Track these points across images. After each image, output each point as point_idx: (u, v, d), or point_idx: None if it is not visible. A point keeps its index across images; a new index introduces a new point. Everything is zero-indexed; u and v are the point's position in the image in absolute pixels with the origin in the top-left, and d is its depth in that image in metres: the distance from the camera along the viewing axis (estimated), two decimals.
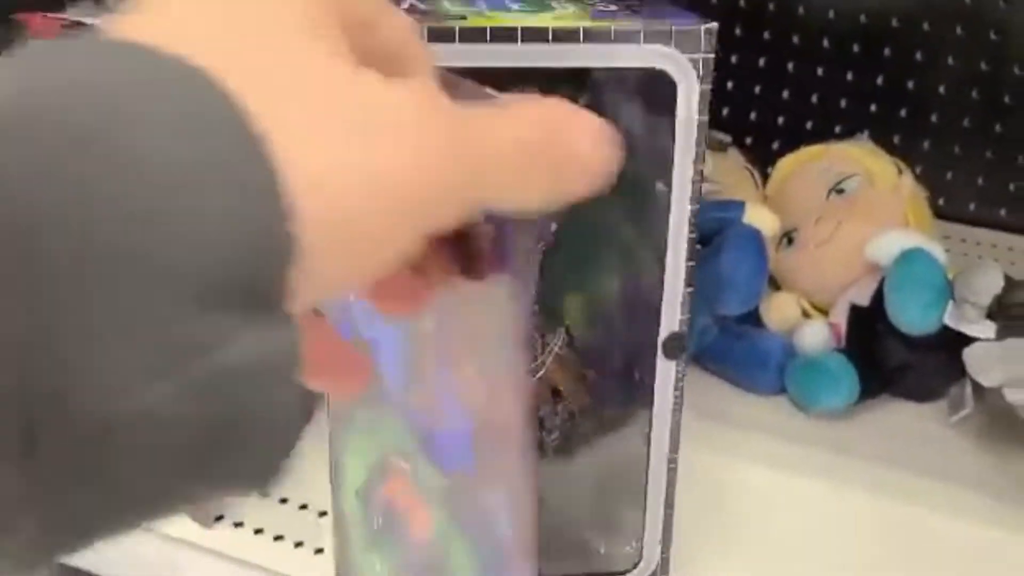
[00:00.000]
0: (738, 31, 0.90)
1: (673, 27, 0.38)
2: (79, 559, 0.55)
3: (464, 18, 0.39)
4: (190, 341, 0.16)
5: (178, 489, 0.17)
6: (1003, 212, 0.89)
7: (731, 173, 0.75)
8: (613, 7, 0.42)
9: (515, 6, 0.42)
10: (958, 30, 0.83)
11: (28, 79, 0.16)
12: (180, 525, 0.56)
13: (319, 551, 0.55)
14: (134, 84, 0.16)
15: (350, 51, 0.20)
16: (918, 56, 0.85)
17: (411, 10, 0.41)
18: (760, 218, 0.67)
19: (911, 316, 0.61)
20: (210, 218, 0.16)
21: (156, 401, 0.15)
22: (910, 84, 0.87)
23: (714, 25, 0.38)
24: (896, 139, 0.87)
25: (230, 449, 0.17)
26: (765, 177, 0.77)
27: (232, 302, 0.16)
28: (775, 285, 0.73)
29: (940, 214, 0.85)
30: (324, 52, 0.19)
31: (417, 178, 0.19)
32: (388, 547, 0.43)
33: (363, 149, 0.18)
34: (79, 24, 0.55)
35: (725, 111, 0.90)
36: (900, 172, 0.72)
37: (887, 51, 0.86)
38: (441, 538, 0.39)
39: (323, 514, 0.57)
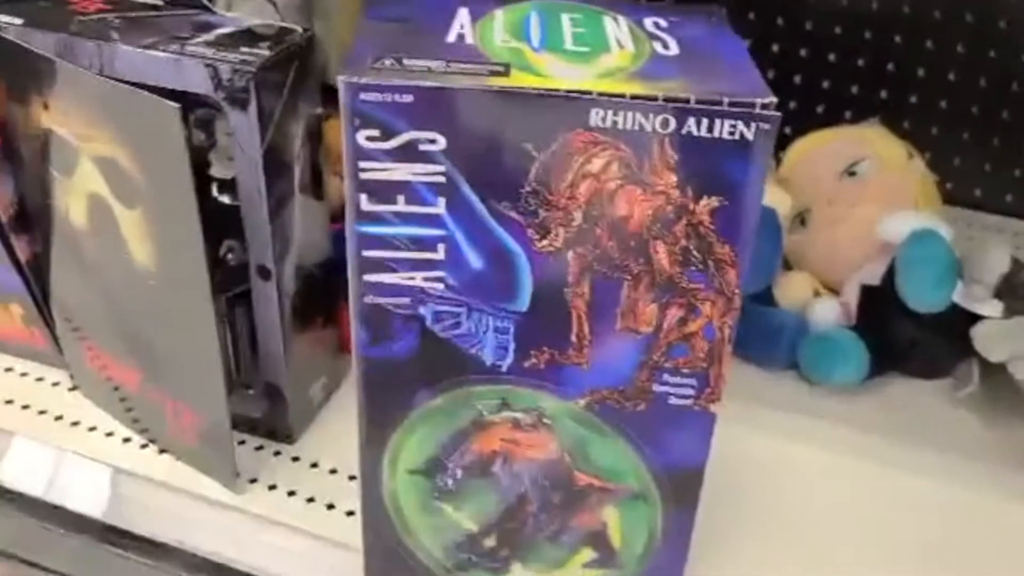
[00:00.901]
0: (752, 17, 0.91)
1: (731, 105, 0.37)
2: (121, 517, 0.57)
3: (507, 69, 0.39)
4: None
5: None
6: (1009, 198, 0.91)
7: None
8: (668, 40, 0.42)
9: (569, 37, 0.42)
10: (968, 18, 0.84)
11: None
12: (217, 488, 0.58)
13: (350, 513, 0.57)
14: None
15: None
16: (928, 44, 0.87)
17: (459, 41, 0.41)
18: (774, 199, 0.69)
19: (921, 294, 0.63)
20: None
21: None
22: (920, 71, 0.88)
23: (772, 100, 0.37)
24: (906, 124, 0.88)
25: None
26: (778, 160, 0.79)
27: None
28: (788, 265, 0.75)
29: (948, 199, 0.86)
30: None
31: None
32: (471, 493, 0.48)
33: None
34: (124, 3, 0.56)
35: None
36: (910, 156, 0.73)
37: (898, 38, 0.88)
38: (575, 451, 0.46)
39: (352, 478, 0.59)
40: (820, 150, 0.76)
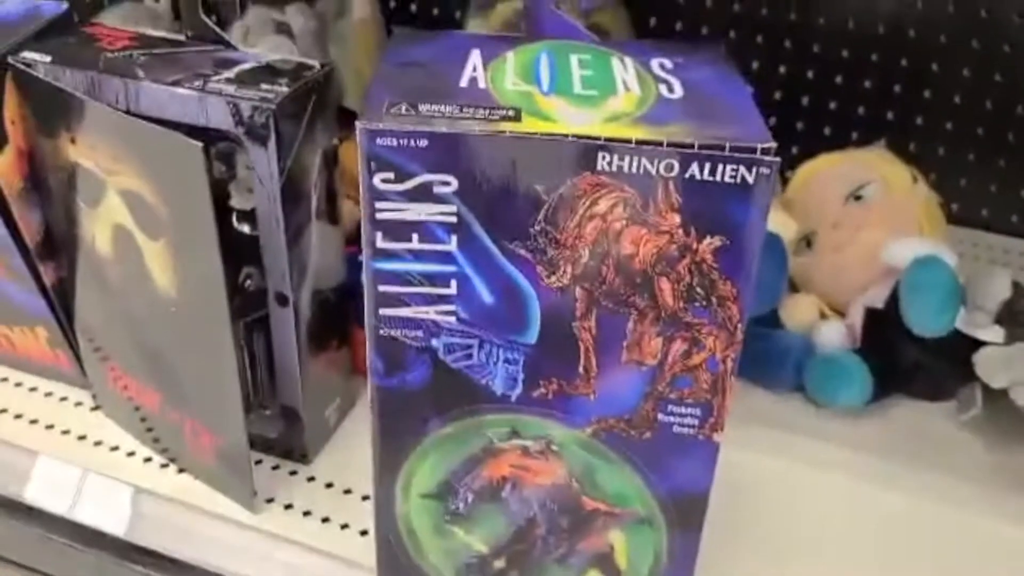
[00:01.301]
0: (760, 40, 0.93)
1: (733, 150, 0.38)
2: (141, 535, 0.59)
3: (518, 114, 0.40)
4: None
5: None
6: (1015, 218, 0.92)
7: None
8: (674, 83, 0.44)
9: (578, 80, 0.44)
10: (974, 43, 0.86)
11: None
12: (234, 507, 0.60)
13: (364, 533, 0.58)
14: None
15: None
16: (934, 67, 0.88)
17: (471, 85, 0.43)
18: (778, 223, 0.71)
19: (923, 319, 0.64)
20: None
21: None
22: (926, 93, 0.90)
23: (772, 146, 0.39)
24: (912, 146, 0.90)
25: None
26: (785, 182, 0.80)
27: None
28: (794, 287, 0.76)
29: (954, 220, 0.88)
30: None
31: None
32: (481, 516, 0.50)
33: None
34: (144, 36, 0.58)
35: None
36: (915, 180, 0.74)
37: (904, 61, 0.89)
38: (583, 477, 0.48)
39: (366, 498, 0.61)
40: (826, 173, 0.77)
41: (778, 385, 0.71)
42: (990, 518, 0.61)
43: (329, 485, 0.62)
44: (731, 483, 0.61)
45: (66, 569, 0.66)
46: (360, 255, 0.43)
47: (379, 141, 0.39)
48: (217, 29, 0.57)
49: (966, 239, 0.91)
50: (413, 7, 1.05)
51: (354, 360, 0.66)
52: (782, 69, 0.94)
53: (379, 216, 0.41)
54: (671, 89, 0.43)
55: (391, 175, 0.40)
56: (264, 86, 0.52)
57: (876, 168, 0.75)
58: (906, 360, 0.67)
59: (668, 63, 0.46)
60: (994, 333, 0.62)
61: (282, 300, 0.57)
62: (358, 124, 0.39)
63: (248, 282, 0.58)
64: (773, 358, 0.70)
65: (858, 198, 0.74)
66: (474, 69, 0.45)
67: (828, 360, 0.68)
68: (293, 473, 0.63)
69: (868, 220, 0.73)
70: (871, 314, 0.69)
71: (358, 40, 0.89)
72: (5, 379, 0.70)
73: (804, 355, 0.70)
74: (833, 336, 0.70)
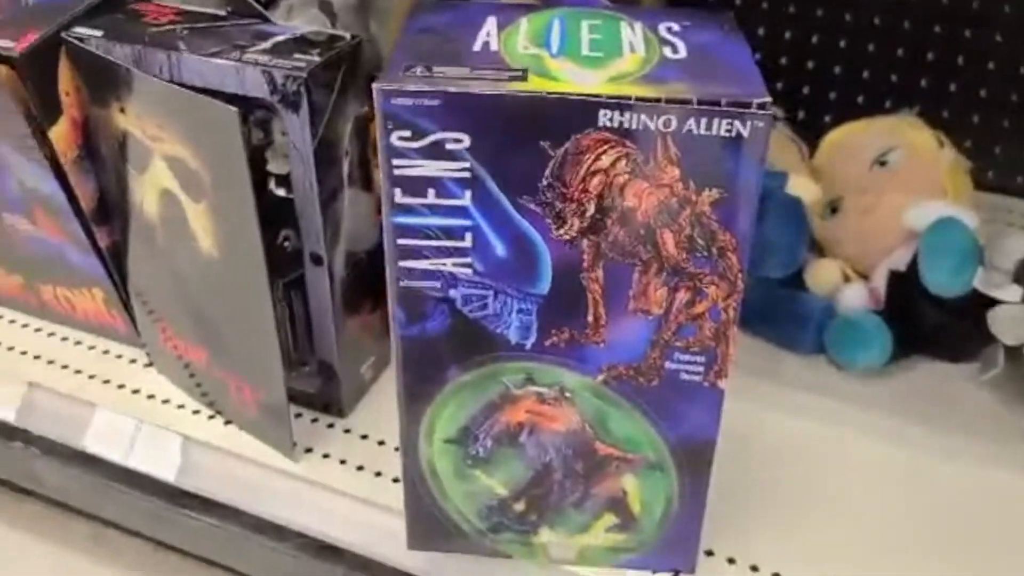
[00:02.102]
0: (792, 9, 0.93)
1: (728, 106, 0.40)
2: (190, 481, 0.63)
3: (525, 75, 0.43)
4: None
5: None
6: None
7: (777, 145, 0.79)
8: (678, 44, 0.46)
9: (586, 43, 0.46)
10: (1007, 8, 0.85)
11: None
12: (276, 456, 0.64)
13: (396, 480, 0.62)
14: None
15: None
16: (967, 33, 0.88)
17: (484, 48, 0.45)
18: (802, 187, 0.72)
19: (940, 279, 0.65)
20: None
21: None
22: (960, 60, 0.89)
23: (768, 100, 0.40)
24: (946, 113, 0.90)
25: None
26: (813, 149, 0.81)
27: None
28: (821, 253, 0.77)
29: (989, 186, 0.88)
30: None
31: None
32: (500, 460, 0.53)
33: None
34: (187, 11, 0.62)
35: (779, 85, 0.94)
36: (941, 145, 0.75)
37: (937, 28, 0.89)
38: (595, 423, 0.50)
39: (399, 448, 0.64)
40: (852, 139, 0.78)
41: (800, 347, 0.72)
42: (1011, 476, 0.62)
43: (364, 437, 0.66)
44: (750, 440, 0.64)
45: (122, 513, 0.71)
46: None
47: (395, 101, 0.42)
48: (256, 5, 0.61)
49: (1001, 205, 0.91)
50: None
51: (388, 322, 0.69)
52: (814, 39, 0.94)
53: (396, 172, 0.44)
54: (675, 50, 0.45)
55: (407, 133, 0.43)
56: (297, 56, 0.55)
57: (901, 134, 0.76)
58: (926, 321, 0.68)
59: (676, 26, 0.48)
60: (1012, 292, 0.63)
61: (317, 260, 0.60)
62: (375, 85, 0.42)
63: (286, 243, 0.62)
64: (795, 320, 0.72)
65: (883, 163, 0.75)
66: (488, 34, 0.47)
67: (848, 322, 0.70)
68: (330, 426, 0.67)
69: (893, 185, 0.74)
70: (894, 277, 0.70)
71: (398, 15, 0.92)
72: (65, 338, 0.75)
73: (826, 317, 0.71)
74: (855, 298, 0.71)
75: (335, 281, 0.61)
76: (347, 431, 0.66)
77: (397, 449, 0.64)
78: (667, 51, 0.45)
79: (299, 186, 0.58)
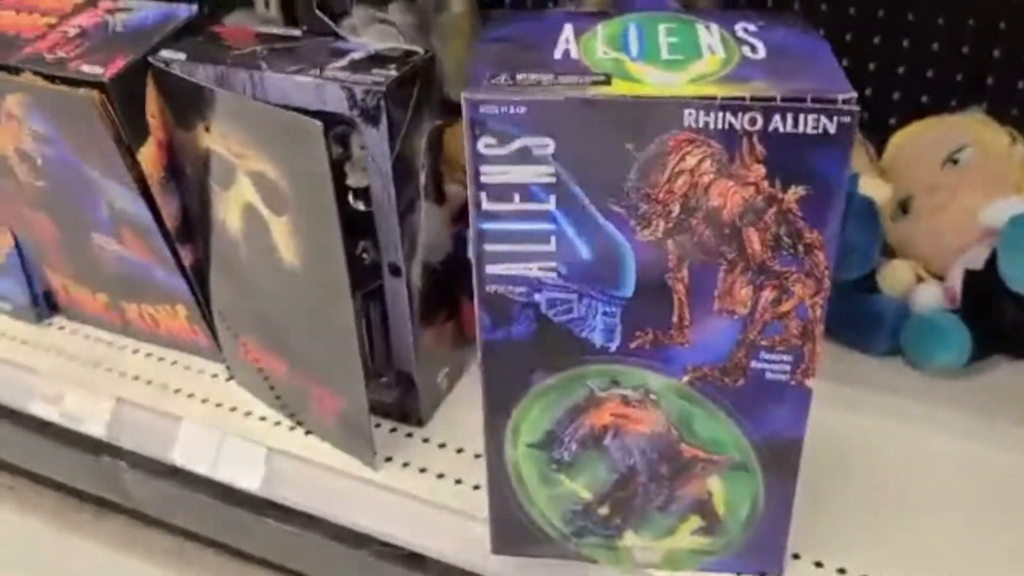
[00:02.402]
0: (852, 11, 0.93)
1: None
2: (276, 492, 0.64)
3: (609, 79, 0.43)
4: None
5: None
6: None
7: None
8: (756, 44, 0.46)
9: (665, 46, 0.46)
10: None
11: None
12: (356, 465, 0.65)
13: (476, 487, 0.62)
14: None
15: None
16: None
17: (564, 56, 0.46)
18: (873, 188, 0.71)
19: (1021, 275, 0.64)
20: None
21: None
22: None
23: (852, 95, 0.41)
24: (1014, 111, 0.88)
25: None
26: (880, 149, 0.81)
27: None
28: (891, 254, 0.76)
29: None
30: None
31: None
32: (584, 464, 0.53)
33: None
34: (265, 33, 0.64)
35: None
36: (1013, 141, 0.74)
37: (1002, 24, 0.88)
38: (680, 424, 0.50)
39: (478, 456, 0.65)
40: (921, 138, 0.77)
41: (875, 348, 0.71)
42: None
43: (442, 445, 0.66)
44: (832, 444, 0.63)
45: (206, 524, 0.72)
46: (466, 231, 0.47)
47: (482, 109, 0.43)
48: (331, 23, 0.62)
49: None
50: None
51: (461, 331, 0.71)
52: (876, 40, 0.93)
53: (483, 179, 0.45)
54: (754, 50, 0.46)
55: (493, 140, 0.44)
56: (375, 71, 0.57)
57: (972, 131, 0.75)
58: (1006, 319, 0.67)
59: (751, 27, 0.49)
60: None
61: (395, 271, 0.61)
62: (463, 94, 0.43)
63: (364, 255, 0.63)
64: (870, 322, 0.71)
65: (954, 162, 0.75)
66: (567, 42, 0.48)
67: (926, 321, 0.69)
68: (409, 435, 0.67)
69: (965, 183, 0.73)
70: (970, 275, 0.69)
71: (457, 33, 0.93)
72: (149, 354, 0.77)
73: (900, 318, 0.70)
74: (930, 298, 0.70)
75: (412, 292, 0.62)
76: (425, 440, 0.67)
77: (477, 456, 0.65)
78: (746, 51, 0.46)
79: (377, 198, 0.59)
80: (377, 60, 0.58)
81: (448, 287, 0.67)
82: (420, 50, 0.59)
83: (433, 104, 0.60)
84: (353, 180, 0.61)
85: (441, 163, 0.63)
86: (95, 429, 0.73)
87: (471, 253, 0.47)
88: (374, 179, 0.58)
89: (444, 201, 0.65)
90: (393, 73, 0.56)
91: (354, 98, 0.56)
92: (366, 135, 0.57)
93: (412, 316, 0.63)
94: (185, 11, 0.65)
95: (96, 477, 0.77)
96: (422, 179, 0.61)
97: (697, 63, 0.45)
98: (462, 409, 0.69)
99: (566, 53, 0.47)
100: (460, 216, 0.71)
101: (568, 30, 0.49)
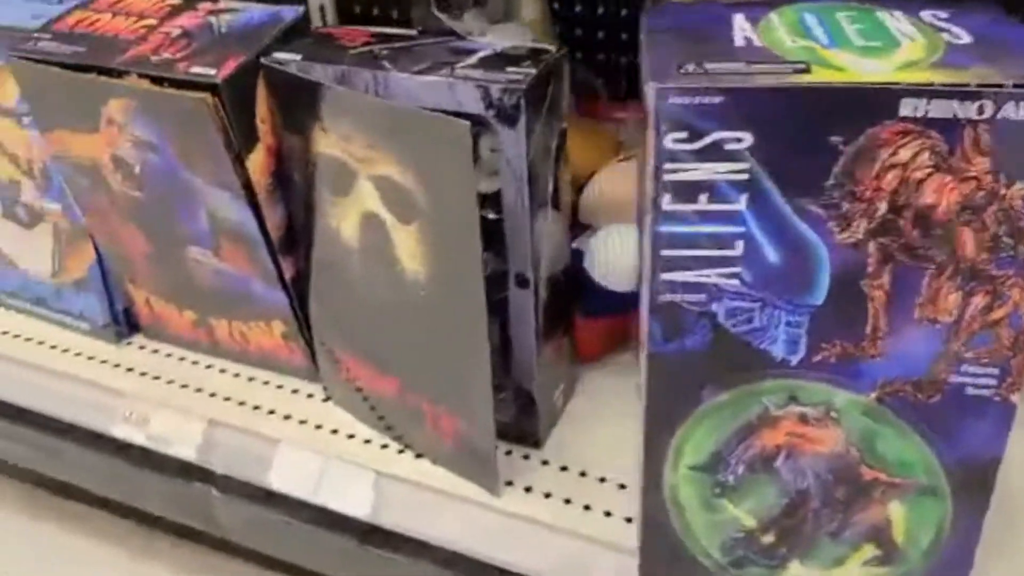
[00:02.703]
0: None
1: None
2: (388, 518, 0.60)
3: (808, 67, 0.40)
4: None
5: None
6: None
7: None
8: (957, 31, 0.43)
9: (854, 34, 0.43)
10: None
11: None
12: (474, 489, 0.60)
13: (608, 514, 0.58)
14: None
15: None
16: None
17: (747, 44, 0.42)
18: None
19: None
20: None
21: None
22: None
23: None
24: None
25: None
26: None
27: None
28: None
29: None
30: None
31: None
32: (751, 488, 0.48)
33: None
34: (380, 33, 0.60)
35: None
36: None
37: None
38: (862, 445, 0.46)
39: (603, 480, 0.61)
40: None
41: None
42: None
43: (564, 468, 0.62)
44: (1015, 463, 0.59)
45: (306, 553, 0.68)
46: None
47: (672, 100, 0.39)
48: (450, 22, 0.59)
49: None
50: (578, 7, 1.06)
51: (575, 347, 0.67)
52: None
53: (667, 177, 0.41)
54: (957, 37, 0.42)
55: (684, 134, 0.40)
56: (509, 69, 0.53)
57: None
58: None
59: (941, 14, 0.45)
60: None
61: (522, 282, 0.58)
62: (652, 84, 0.39)
63: (487, 266, 0.59)
64: None
65: None
66: (743, 30, 0.44)
67: None
68: (526, 457, 0.63)
69: None
70: None
71: (529, 40, 0.90)
72: (238, 374, 0.73)
73: None
74: None
75: (539, 303, 0.59)
76: (545, 462, 0.63)
77: (602, 480, 0.61)
78: (947, 37, 0.42)
79: (509, 204, 0.55)
80: (507, 58, 0.55)
81: (567, 299, 0.64)
82: (551, 48, 0.56)
83: (563, 105, 0.57)
84: (481, 185, 0.57)
85: (562, 167, 0.60)
86: (185, 452, 0.69)
87: (642, 260, 0.43)
88: (507, 183, 0.55)
89: (562, 207, 0.61)
90: (531, 71, 0.53)
91: (490, 97, 0.52)
92: (502, 136, 0.53)
93: (537, 329, 0.59)
94: (291, 12, 0.62)
95: (182, 502, 0.72)
96: (550, 184, 0.57)
97: (898, 50, 0.41)
98: (579, 429, 0.65)
99: (748, 41, 0.43)
100: (574, 227, 0.67)
101: (739, 19, 0.46)
